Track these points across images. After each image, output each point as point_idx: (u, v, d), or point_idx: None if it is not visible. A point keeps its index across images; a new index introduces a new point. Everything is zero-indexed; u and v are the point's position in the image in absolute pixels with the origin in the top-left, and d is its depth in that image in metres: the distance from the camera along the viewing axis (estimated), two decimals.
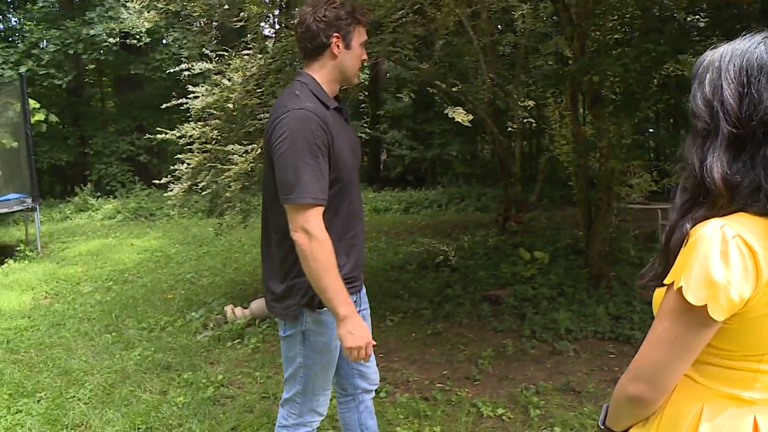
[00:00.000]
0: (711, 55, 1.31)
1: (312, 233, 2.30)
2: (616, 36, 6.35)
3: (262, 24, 6.45)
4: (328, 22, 2.43)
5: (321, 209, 2.34)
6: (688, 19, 8.57)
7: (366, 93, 18.51)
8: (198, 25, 6.32)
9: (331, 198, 2.40)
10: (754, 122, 1.19)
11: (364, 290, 2.76)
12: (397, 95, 14.06)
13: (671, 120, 16.86)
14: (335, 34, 2.44)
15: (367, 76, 20.37)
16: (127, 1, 4.80)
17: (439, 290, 6.85)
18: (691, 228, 1.24)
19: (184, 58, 7.51)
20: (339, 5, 2.46)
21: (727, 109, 1.22)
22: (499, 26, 8.87)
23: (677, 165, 1.38)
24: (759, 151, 1.20)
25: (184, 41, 7.71)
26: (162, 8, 5.36)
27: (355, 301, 2.63)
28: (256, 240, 11.02)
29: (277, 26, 8.01)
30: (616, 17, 6.38)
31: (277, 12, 7.62)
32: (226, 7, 5.30)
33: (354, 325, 2.35)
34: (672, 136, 16.67)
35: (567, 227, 9.50)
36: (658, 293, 1.35)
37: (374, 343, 2.45)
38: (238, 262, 9.70)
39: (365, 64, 2.63)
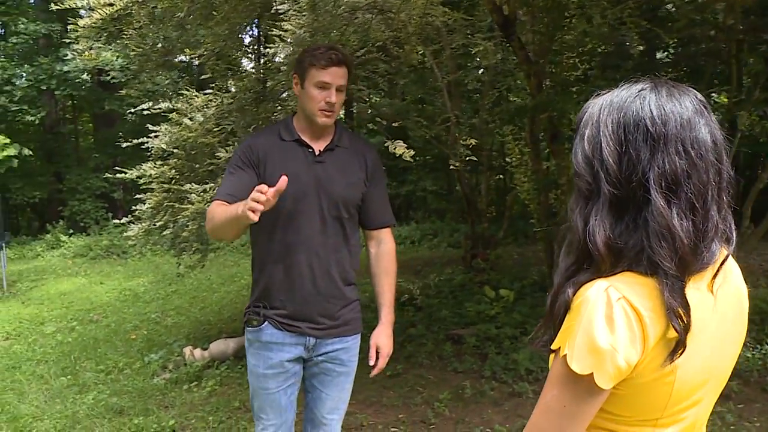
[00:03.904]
0: (592, 106, 1.24)
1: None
2: (574, 73, 6.37)
3: (244, 60, 6.44)
4: (295, 63, 2.61)
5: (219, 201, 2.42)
6: (657, 55, 8.68)
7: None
8: (163, 60, 6.23)
9: (265, 219, 2.17)
10: (634, 183, 1.13)
11: (338, 338, 2.78)
12: (370, 130, 14.03)
13: None
14: (294, 74, 2.55)
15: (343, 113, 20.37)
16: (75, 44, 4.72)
17: (403, 330, 6.74)
18: (575, 291, 1.18)
19: (158, 95, 7.35)
20: (314, 48, 2.53)
21: (607, 168, 1.15)
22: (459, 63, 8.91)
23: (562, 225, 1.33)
24: (640, 214, 1.13)
25: (151, 77, 7.63)
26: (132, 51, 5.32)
27: (305, 345, 2.65)
28: (225, 278, 10.91)
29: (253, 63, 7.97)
30: (574, 54, 6.42)
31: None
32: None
33: (243, 204, 2.10)
34: None
35: (536, 264, 9.44)
36: (553, 358, 1.28)
37: (265, 189, 2.04)
38: (205, 301, 9.51)
39: (327, 104, 2.48)
